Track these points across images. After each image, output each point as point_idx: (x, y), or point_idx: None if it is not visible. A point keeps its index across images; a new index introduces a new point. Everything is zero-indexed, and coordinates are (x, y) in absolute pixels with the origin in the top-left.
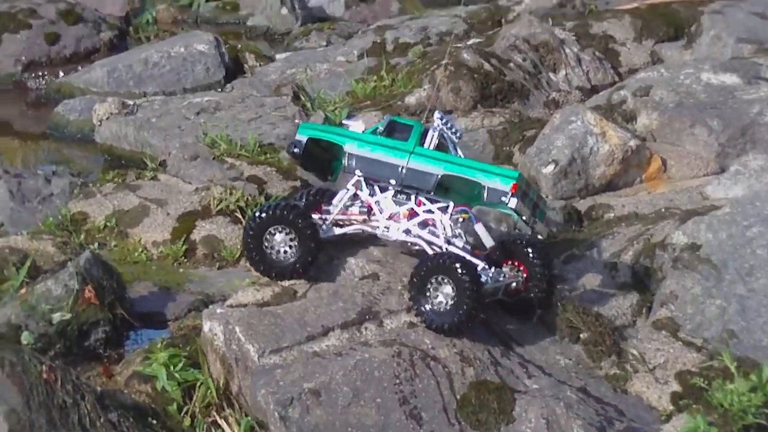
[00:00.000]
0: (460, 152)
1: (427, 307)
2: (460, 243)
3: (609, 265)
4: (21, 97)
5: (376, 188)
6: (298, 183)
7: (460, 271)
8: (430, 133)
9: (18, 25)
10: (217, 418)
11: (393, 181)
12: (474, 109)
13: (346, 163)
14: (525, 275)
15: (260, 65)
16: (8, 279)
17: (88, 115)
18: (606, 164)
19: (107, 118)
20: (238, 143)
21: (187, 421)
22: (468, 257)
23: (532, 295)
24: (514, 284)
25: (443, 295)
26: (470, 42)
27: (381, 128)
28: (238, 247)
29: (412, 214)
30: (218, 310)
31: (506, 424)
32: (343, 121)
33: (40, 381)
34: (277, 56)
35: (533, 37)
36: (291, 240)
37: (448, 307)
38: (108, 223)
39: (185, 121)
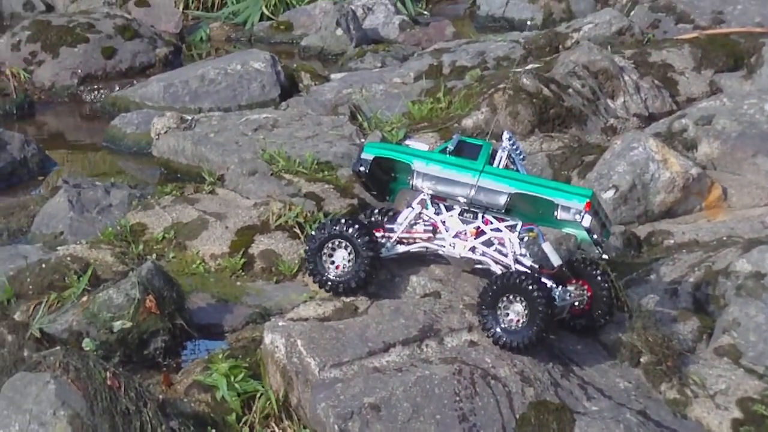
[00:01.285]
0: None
1: (498, 324)
2: (528, 262)
3: (669, 290)
4: (77, 110)
5: (442, 207)
6: (355, 201)
7: (532, 288)
8: (499, 153)
9: (75, 39)
10: (276, 429)
11: (462, 199)
12: (532, 133)
13: (413, 182)
14: (590, 295)
15: (315, 84)
16: (70, 286)
17: (144, 129)
18: (666, 191)
19: (165, 132)
20: (296, 160)
21: None
22: (534, 273)
23: (594, 315)
24: (578, 303)
25: (514, 313)
26: (528, 67)
27: (450, 147)
28: (296, 261)
29: (479, 232)
30: (280, 323)
31: None
32: (406, 141)
33: (104, 387)
34: (333, 76)
35: (592, 64)
36: (349, 255)
37: (519, 326)
38: (166, 235)
39: (243, 137)
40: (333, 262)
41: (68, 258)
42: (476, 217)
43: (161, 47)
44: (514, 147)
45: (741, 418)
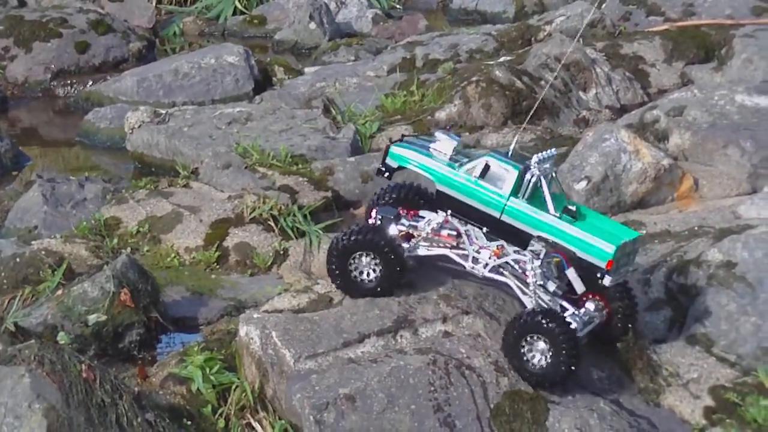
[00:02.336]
0: (556, 188)
1: (527, 367)
2: (552, 287)
3: (642, 280)
4: (50, 105)
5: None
6: (329, 193)
7: (548, 325)
8: (527, 178)
9: (49, 34)
10: (252, 420)
11: (485, 228)
12: (504, 125)
13: (436, 197)
14: (607, 310)
15: (289, 78)
16: (44, 280)
17: (118, 124)
18: (638, 182)
19: (139, 126)
20: (270, 153)
21: (221, 423)
22: (556, 306)
23: (613, 329)
24: (597, 320)
25: (538, 351)
26: (501, 59)
27: (476, 170)
28: (271, 254)
29: (502, 250)
30: (255, 315)
31: None
32: (436, 133)
33: (80, 380)
34: (306, 70)
35: (564, 56)
36: (375, 264)
37: (545, 363)
38: (141, 229)
39: (217, 131)
40: (360, 271)
41: (42, 252)
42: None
43: (135, 42)
44: (544, 172)
45: (713, 405)
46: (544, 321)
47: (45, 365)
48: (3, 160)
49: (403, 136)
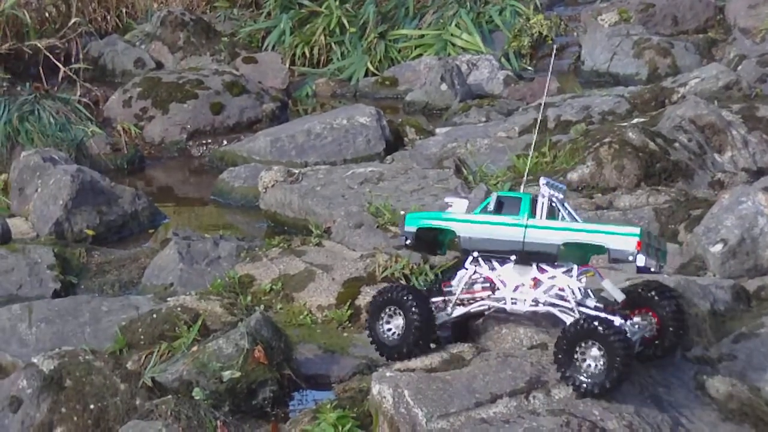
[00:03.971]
0: (569, 208)
1: (578, 374)
2: (591, 303)
3: None
4: (185, 165)
5: (494, 262)
6: (460, 253)
7: (606, 333)
8: (540, 200)
9: (185, 95)
10: None
11: (513, 257)
12: (638, 186)
13: (461, 245)
14: (657, 322)
15: (420, 139)
16: (180, 336)
17: (251, 183)
18: None
19: (272, 186)
20: (401, 213)
21: None
22: (605, 316)
23: (666, 342)
24: (648, 333)
25: (591, 358)
26: (634, 121)
27: (490, 206)
28: None
29: (537, 282)
30: (387, 374)
31: None
32: (446, 199)
33: None
34: (437, 130)
35: (699, 119)
36: (398, 323)
37: (598, 371)
38: (274, 287)
39: (349, 191)
40: (389, 329)
41: (178, 309)
42: (531, 267)
43: (268, 102)
44: (554, 193)
45: None
46: (599, 326)
47: (181, 420)
48: (140, 218)
49: None
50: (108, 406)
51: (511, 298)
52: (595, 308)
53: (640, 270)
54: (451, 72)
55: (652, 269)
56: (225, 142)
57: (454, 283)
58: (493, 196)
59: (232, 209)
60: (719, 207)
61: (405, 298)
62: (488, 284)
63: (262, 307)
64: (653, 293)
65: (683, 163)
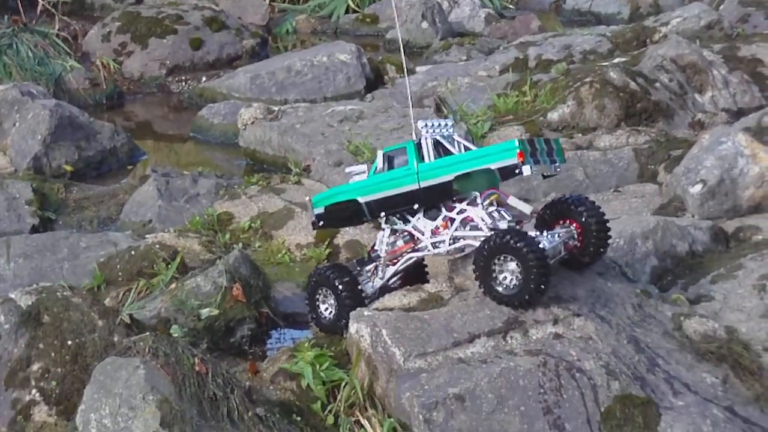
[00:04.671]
0: (460, 140)
1: (498, 287)
2: (504, 225)
3: (758, 286)
4: (164, 101)
5: (406, 215)
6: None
7: (519, 245)
8: (423, 144)
9: (164, 31)
10: (360, 417)
11: (416, 206)
12: (618, 126)
13: (367, 212)
14: (579, 231)
15: (400, 77)
16: (158, 274)
17: (231, 120)
18: (755, 186)
19: (252, 123)
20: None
21: (330, 420)
22: (517, 229)
23: (591, 249)
24: (570, 242)
25: (509, 272)
26: (616, 60)
27: (380, 165)
28: None
29: (450, 220)
30: (365, 313)
31: None
32: (347, 170)
33: (192, 373)
34: (418, 69)
35: (680, 58)
36: (330, 302)
37: (516, 282)
38: (252, 224)
39: (329, 129)
40: (324, 307)
41: (157, 245)
42: (440, 209)
43: (248, 39)
44: (435, 131)
45: None
46: (511, 240)
47: (159, 357)
48: (119, 154)
49: None
50: (86, 342)
51: (432, 244)
52: (509, 226)
53: (546, 177)
54: (432, 9)
55: (548, 172)
56: (204, 79)
57: (377, 246)
58: (380, 154)
59: (211, 146)
60: (699, 147)
61: (329, 277)
62: (408, 237)
63: (240, 244)
64: (570, 203)
65: (664, 103)
